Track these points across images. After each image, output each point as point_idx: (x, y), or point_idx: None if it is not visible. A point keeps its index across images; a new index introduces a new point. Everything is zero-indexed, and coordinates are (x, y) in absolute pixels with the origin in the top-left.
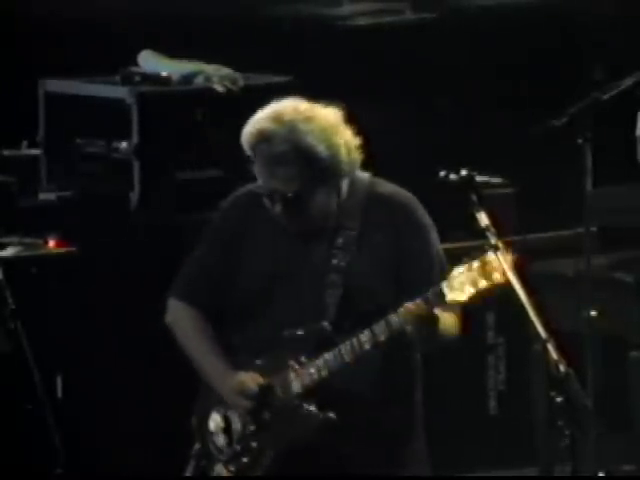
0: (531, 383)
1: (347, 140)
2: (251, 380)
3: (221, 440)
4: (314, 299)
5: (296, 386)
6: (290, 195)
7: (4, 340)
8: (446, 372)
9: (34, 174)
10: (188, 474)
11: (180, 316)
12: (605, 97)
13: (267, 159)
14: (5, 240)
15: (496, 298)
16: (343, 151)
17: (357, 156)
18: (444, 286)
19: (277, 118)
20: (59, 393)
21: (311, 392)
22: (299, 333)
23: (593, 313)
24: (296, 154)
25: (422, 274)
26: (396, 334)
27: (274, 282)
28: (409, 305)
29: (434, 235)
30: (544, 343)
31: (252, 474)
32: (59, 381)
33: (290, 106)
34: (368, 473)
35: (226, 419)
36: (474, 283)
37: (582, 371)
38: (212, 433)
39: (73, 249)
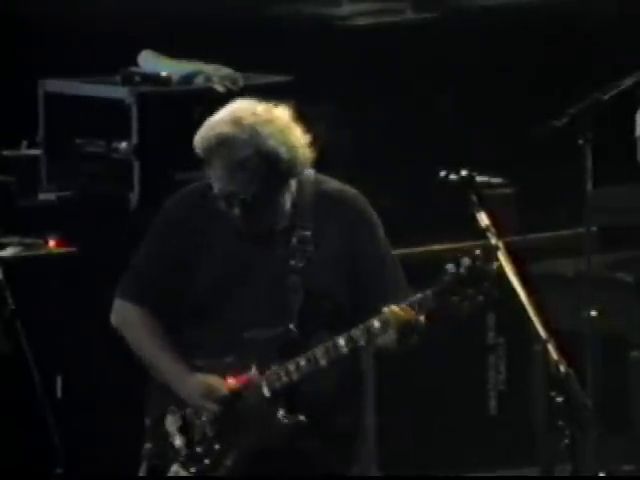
0: (531, 383)
1: (300, 139)
2: (217, 383)
3: (178, 441)
4: (275, 301)
5: (266, 390)
6: (249, 198)
7: (3, 340)
8: (446, 372)
9: (34, 174)
10: (141, 474)
11: (129, 317)
12: (605, 97)
13: (228, 164)
14: (5, 240)
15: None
16: (300, 151)
17: (309, 155)
18: (430, 293)
19: (236, 122)
20: (59, 393)
21: (280, 396)
22: (263, 335)
23: (593, 313)
24: (258, 158)
25: (376, 272)
26: (374, 339)
27: (231, 283)
28: (395, 309)
29: (382, 231)
30: (544, 343)
31: (213, 475)
32: (59, 381)
33: (247, 108)
34: (323, 471)
35: (184, 419)
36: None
37: (582, 371)
38: (168, 433)
39: (73, 249)
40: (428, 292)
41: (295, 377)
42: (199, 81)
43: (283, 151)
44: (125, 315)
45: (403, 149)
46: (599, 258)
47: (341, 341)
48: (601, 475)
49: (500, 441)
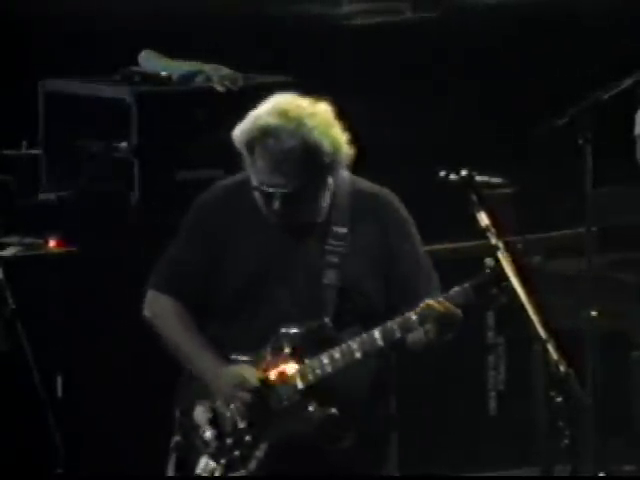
0: (531, 383)
1: (341, 135)
2: (251, 374)
3: (208, 433)
4: (311, 296)
5: (299, 382)
6: (290, 191)
7: (3, 339)
8: (446, 372)
9: (34, 174)
10: (170, 467)
11: (162, 309)
12: (605, 97)
13: (273, 155)
14: (5, 240)
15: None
16: (342, 146)
17: (349, 151)
18: (469, 286)
19: (282, 114)
20: (59, 393)
21: (312, 389)
22: (298, 329)
23: (593, 313)
24: (303, 150)
25: (411, 271)
26: (410, 332)
27: (267, 278)
28: (433, 302)
29: (415, 230)
30: (544, 343)
31: (244, 468)
32: (59, 381)
33: (291, 101)
34: (353, 470)
35: (214, 411)
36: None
37: (582, 371)
38: (197, 426)
39: (73, 249)
40: (466, 285)
41: (329, 370)
42: (199, 81)
43: (326, 144)
44: (159, 307)
45: (403, 149)
46: (599, 258)
47: (377, 334)
48: (601, 475)
49: (500, 441)
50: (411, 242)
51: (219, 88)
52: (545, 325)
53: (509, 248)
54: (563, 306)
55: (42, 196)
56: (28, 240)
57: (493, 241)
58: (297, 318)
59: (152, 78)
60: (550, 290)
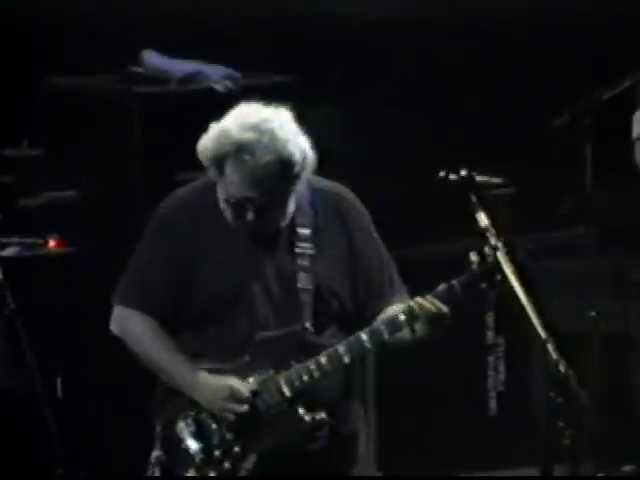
0: (531, 383)
1: (306, 142)
2: (240, 385)
3: (193, 446)
4: (286, 300)
5: (286, 389)
6: (265, 203)
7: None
8: (446, 372)
9: (34, 174)
10: None
11: (134, 325)
12: (605, 97)
13: (249, 171)
14: (5, 240)
15: (496, 298)
16: (309, 153)
17: (314, 156)
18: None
19: (253, 127)
20: (59, 393)
21: (300, 394)
22: (277, 335)
23: (593, 313)
24: (278, 163)
25: (375, 265)
26: (399, 332)
27: (240, 286)
28: (422, 301)
29: (373, 225)
30: (544, 343)
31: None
32: (59, 381)
33: (257, 114)
34: (328, 471)
35: (197, 425)
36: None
37: (582, 371)
38: (181, 439)
39: (73, 249)
40: (453, 282)
41: (316, 375)
42: (199, 81)
43: (297, 154)
44: (129, 324)
45: (403, 149)
46: (599, 258)
47: (364, 336)
48: (601, 475)
49: (500, 441)
50: (372, 237)
51: (219, 88)
52: (545, 325)
53: (509, 248)
54: (563, 306)
55: (42, 196)
56: (28, 240)
57: (493, 241)
58: (275, 324)
59: (152, 78)
60: (550, 290)
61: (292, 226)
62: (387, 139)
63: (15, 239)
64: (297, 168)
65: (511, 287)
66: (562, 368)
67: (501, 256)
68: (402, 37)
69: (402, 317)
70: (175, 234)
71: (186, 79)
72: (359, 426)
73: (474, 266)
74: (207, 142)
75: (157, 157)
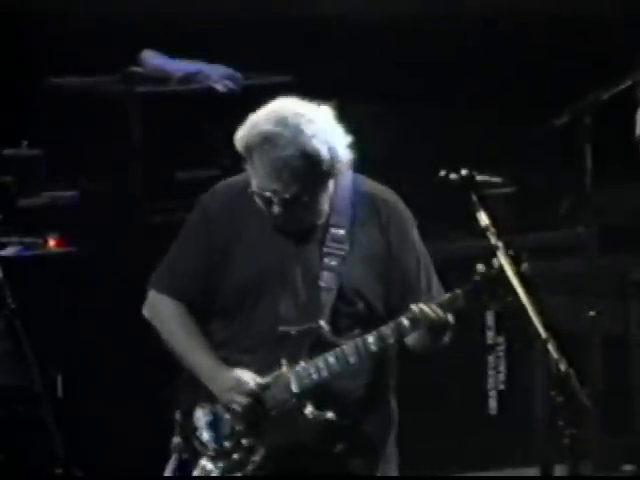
0: (531, 383)
1: (342, 140)
2: (248, 377)
3: (207, 436)
4: (308, 298)
5: (294, 386)
6: (290, 197)
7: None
8: (446, 372)
9: (34, 174)
10: (171, 467)
11: (164, 310)
12: (605, 97)
13: (271, 162)
14: (5, 240)
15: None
16: (341, 152)
17: (349, 155)
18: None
19: (280, 121)
20: (59, 393)
21: (308, 392)
22: (294, 331)
23: (593, 313)
24: (301, 157)
25: (411, 271)
26: (404, 337)
27: (265, 280)
28: (425, 308)
29: (416, 230)
30: (544, 343)
31: (242, 471)
32: (59, 381)
33: (290, 107)
34: (351, 472)
35: (213, 415)
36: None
37: (582, 371)
38: (197, 428)
39: (73, 249)
40: (458, 291)
41: (324, 374)
42: (199, 81)
43: (324, 151)
44: (159, 308)
45: (403, 149)
46: (599, 258)
47: (370, 339)
48: (601, 475)
49: (500, 441)
50: (411, 241)
51: (219, 88)
52: (545, 325)
53: (509, 248)
54: (563, 306)
55: (42, 196)
56: (28, 240)
57: (493, 241)
58: (295, 320)
59: (152, 78)
60: (550, 290)
61: (326, 226)
62: (387, 139)
63: (15, 239)
64: (324, 165)
65: (515, 297)
66: (562, 368)
67: (507, 267)
68: (402, 37)
69: (406, 322)
70: (212, 226)
71: (186, 79)
72: (386, 430)
73: (478, 278)
74: (240, 133)
75: (157, 157)
